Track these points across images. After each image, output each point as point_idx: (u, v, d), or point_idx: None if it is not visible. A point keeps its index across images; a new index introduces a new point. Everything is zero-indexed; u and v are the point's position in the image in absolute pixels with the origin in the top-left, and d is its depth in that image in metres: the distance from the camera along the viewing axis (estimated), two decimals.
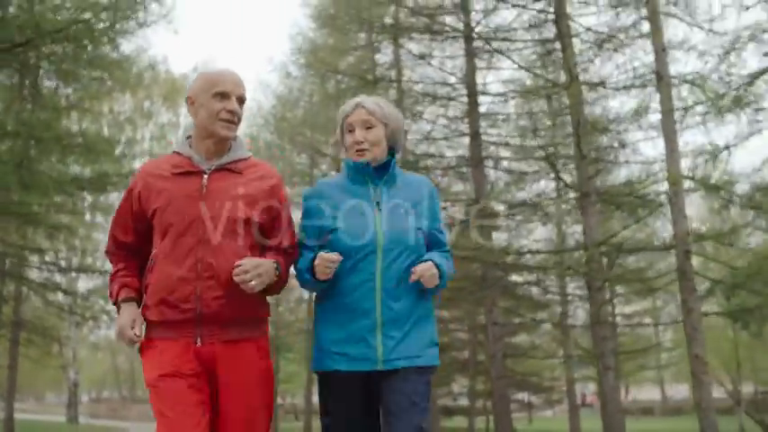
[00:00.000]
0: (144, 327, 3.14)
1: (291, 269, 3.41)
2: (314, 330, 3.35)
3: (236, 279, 3.03)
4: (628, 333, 27.28)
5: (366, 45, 21.73)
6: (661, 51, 12.93)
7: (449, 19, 18.77)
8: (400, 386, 3.16)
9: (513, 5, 16.06)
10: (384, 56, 22.41)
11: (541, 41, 16.28)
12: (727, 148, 10.46)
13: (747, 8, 10.50)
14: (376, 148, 3.36)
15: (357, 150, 3.36)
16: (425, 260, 3.23)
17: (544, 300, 20.03)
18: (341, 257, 3.14)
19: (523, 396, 36.29)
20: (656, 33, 13.00)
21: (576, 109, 14.39)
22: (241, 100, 3.26)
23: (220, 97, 3.19)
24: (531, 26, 16.27)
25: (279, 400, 35.65)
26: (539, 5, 16.04)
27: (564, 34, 15.10)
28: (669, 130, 12.44)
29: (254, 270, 3.05)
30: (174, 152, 3.31)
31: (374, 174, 3.36)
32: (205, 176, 3.22)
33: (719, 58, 10.65)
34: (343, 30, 21.11)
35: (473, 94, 18.04)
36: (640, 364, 30.47)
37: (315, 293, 3.41)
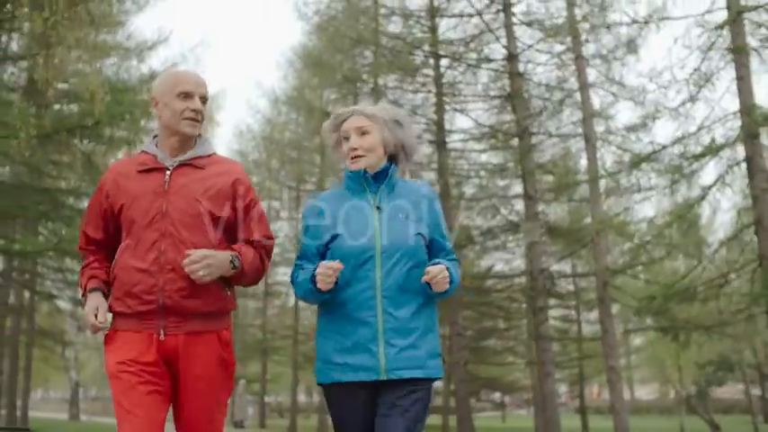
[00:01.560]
0: (109, 315, 3.25)
1: (268, 261, 3.53)
2: (316, 342, 3.38)
3: (185, 269, 3.15)
4: (591, 338, 30.38)
5: (348, 80, 24.80)
6: (589, 118, 16.32)
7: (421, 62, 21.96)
8: (399, 394, 3.18)
9: (469, 65, 19.36)
10: (365, 88, 25.51)
11: (498, 96, 19.61)
12: (624, 210, 13.75)
13: (646, 95, 13.81)
14: (371, 154, 3.35)
15: (352, 157, 3.37)
16: (437, 263, 3.21)
17: (501, 314, 23.14)
18: (342, 265, 3.14)
19: (496, 396, 39.60)
20: (585, 103, 16.38)
21: (525, 158, 17.78)
22: (204, 99, 3.40)
23: (184, 96, 3.32)
24: (489, 82, 19.64)
25: (266, 399, 38.92)
26: (494, 65, 19.38)
27: (516, 93, 18.46)
28: (593, 184, 15.80)
29: (202, 260, 3.13)
30: (141, 151, 3.44)
31: (372, 181, 3.36)
32: (168, 172, 3.32)
33: (622, 135, 13.95)
34: (327, 68, 24.21)
35: (441, 134, 21.28)
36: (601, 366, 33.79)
37: (317, 305, 3.42)
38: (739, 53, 11.95)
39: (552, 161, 20.25)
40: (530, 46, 19.20)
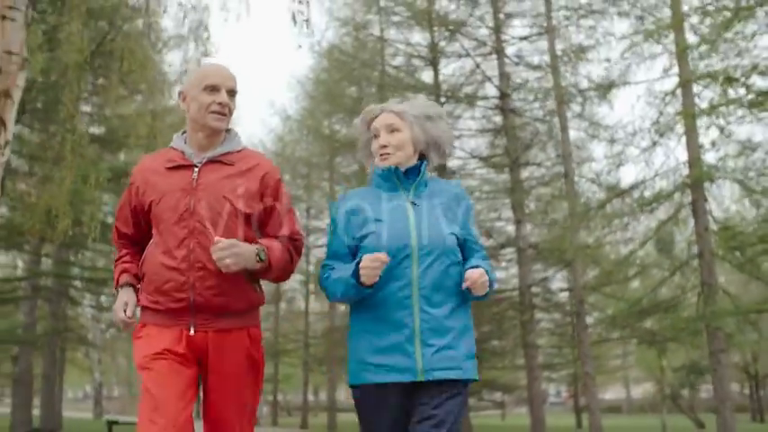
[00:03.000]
0: (137, 310, 3.35)
1: (298, 259, 3.49)
2: (348, 343, 3.37)
3: (213, 256, 3.18)
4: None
5: (355, 101, 27.63)
6: (568, 156, 19.28)
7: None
8: (435, 401, 3.16)
9: (459, 100, 22.36)
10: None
11: (491, 130, 22.62)
12: (595, 240, 16.74)
13: (614, 142, 16.78)
14: (400, 152, 3.37)
15: (381, 155, 3.39)
16: (475, 266, 3.22)
17: (494, 323, 25.87)
18: (388, 258, 3.13)
19: (497, 396, 42.47)
20: (564, 143, 19.35)
21: (515, 188, 20.77)
22: (231, 92, 3.42)
23: (210, 90, 3.36)
24: (484, 117, 22.65)
25: (279, 397, 42.01)
26: (487, 102, 22.36)
27: (507, 128, 21.42)
28: (573, 215, 18.73)
29: (229, 248, 3.16)
30: (170, 147, 3.52)
31: (404, 178, 3.37)
32: (196, 169, 3.36)
33: (595, 175, 16.97)
34: (335, 95, 27.15)
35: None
36: (600, 366, 36.79)
37: (349, 305, 3.41)
38: (687, 116, 14.86)
39: (542, 181, 23.23)
40: (520, 85, 22.17)
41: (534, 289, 24.06)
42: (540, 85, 21.79)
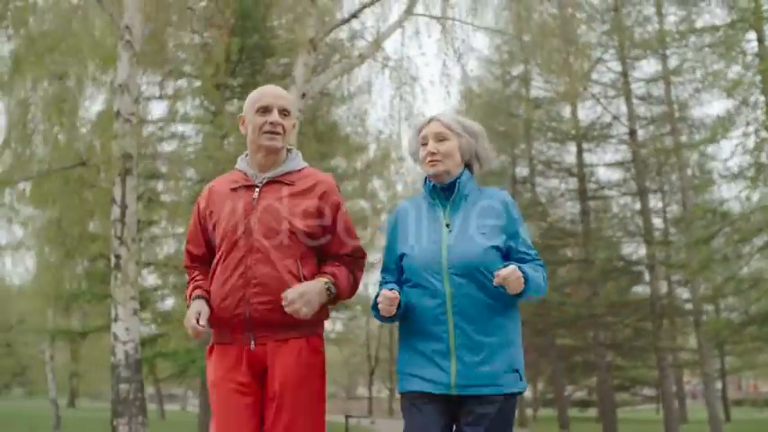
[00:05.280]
0: (207, 318, 3.49)
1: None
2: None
3: (287, 310, 3.36)
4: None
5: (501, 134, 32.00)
6: (686, 188, 23.52)
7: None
8: (477, 416, 3.31)
9: (592, 138, 26.86)
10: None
11: (621, 163, 27.10)
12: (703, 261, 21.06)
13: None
14: (449, 159, 3.54)
15: (429, 162, 3.54)
16: (506, 264, 3.31)
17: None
18: (398, 296, 3.32)
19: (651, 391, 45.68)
20: (683, 179, 23.61)
21: (645, 214, 25.17)
22: (284, 111, 3.65)
23: (263, 111, 3.61)
24: (615, 151, 27.19)
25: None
26: (617, 139, 26.80)
27: (636, 161, 25.77)
28: (690, 240, 22.89)
29: (299, 300, 3.36)
30: (235, 169, 3.76)
31: (442, 194, 3.55)
32: (257, 189, 3.60)
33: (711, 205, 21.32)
34: (483, 125, 31.86)
35: (582, 185, 28.47)
36: (748, 362, 39.81)
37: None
38: None
39: (667, 205, 27.42)
40: (646, 124, 26.48)
41: (678, 291, 28.22)
42: (663, 120, 26.06)
